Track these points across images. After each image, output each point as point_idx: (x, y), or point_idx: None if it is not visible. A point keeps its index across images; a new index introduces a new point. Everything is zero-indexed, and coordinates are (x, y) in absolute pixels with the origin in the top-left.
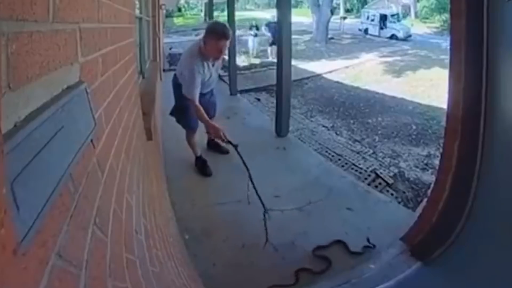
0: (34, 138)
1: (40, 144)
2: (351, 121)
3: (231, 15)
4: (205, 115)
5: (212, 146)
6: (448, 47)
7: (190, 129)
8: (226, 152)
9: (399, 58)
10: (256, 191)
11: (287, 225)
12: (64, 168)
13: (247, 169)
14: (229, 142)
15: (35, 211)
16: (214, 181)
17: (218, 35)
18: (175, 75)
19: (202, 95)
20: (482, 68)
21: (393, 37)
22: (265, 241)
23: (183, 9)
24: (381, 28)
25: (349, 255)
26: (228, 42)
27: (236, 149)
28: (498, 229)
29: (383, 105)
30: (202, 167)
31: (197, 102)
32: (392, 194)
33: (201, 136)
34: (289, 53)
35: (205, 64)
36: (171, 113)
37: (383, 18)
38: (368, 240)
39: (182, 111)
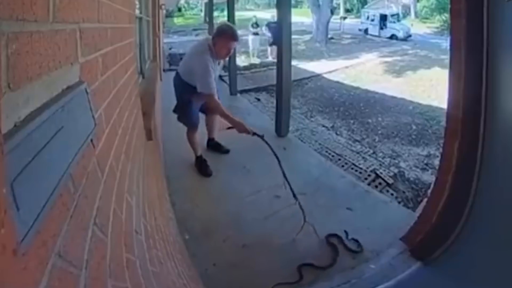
0: (34, 138)
1: (40, 144)
2: (351, 121)
3: (231, 15)
4: (227, 111)
5: (212, 146)
6: (448, 47)
7: (191, 127)
8: (226, 152)
9: (399, 58)
10: (286, 179)
11: (287, 224)
12: (64, 168)
13: (277, 157)
14: (255, 133)
15: (35, 211)
16: (214, 181)
17: (228, 36)
18: (177, 73)
19: None
20: (482, 68)
21: (393, 37)
22: (303, 222)
23: (183, 9)
24: (381, 28)
25: (348, 253)
26: (236, 43)
27: (263, 139)
28: (498, 229)
29: (383, 105)
30: (202, 167)
31: (216, 96)
32: (392, 194)
33: (201, 136)
34: (289, 53)
35: (214, 61)
36: (174, 111)
37: (383, 18)
38: (346, 233)
39: (183, 108)
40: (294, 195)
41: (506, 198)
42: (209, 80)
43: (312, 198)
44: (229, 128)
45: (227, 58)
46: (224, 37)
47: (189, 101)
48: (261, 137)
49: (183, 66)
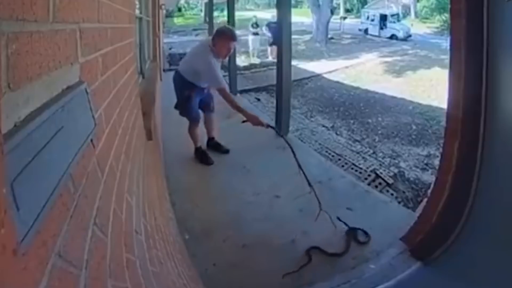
0: (34, 138)
1: (40, 144)
2: (351, 121)
3: (231, 15)
4: (240, 105)
5: (212, 146)
6: (448, 47)
7: (192, 121)
8: (226, 151)
9: (399, 58)
10: (301, 167)
11: (287, 224)
12: (64, 168)
13: (291, 147)
14: (269, 125)
15: (35, 211)
16: (214, 181)
17: (228, 37)
18: (177, 71)
19: (201, 89)
20: (482, 68)
21: (393, 37)
22: (319, 210)
23: (183, 9)
24: (381, 28)
25: (358, 245)
26: (235, 44)
27: (277, 131)
28: (498, 229)
29: (383, 105)
30: (202, 157)
31: (228, 90)
32: (392, 194)
33: (202, 134)
34: (289, 53)
35: (216, 61)
36: (176, 107)
37: (383, 18)
38: (339, 219)
39: (183, 104)
40: (309, 184)
41: (506, 198)
42: (218, 75)
43: (312, 197)
44: (244, 121)
45: (227, 58)
46: (224, 38)
47: (189, 97)
48: (274, 128)
49: (185, 66)
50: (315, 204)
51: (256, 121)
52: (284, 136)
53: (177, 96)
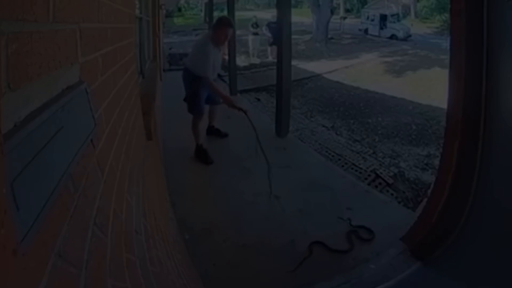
0: (34, 138)
1: (40, 144)
2: (351, 121)
3: (231, 15)
4: (219, 88)
5: (212, 132)
6: (448, 47)
7: (198, 114)
8: (225, 135)
9: (399, 58)
10: (261, 148)
11: (287, 224)
12: (64, 168)
13: (254, 129)
14: (240, 108)
15: (35, 211)
16: (214, 181)
17: (224, 24)
18: (185, 67)
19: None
20: (482, 68)
21: (393, 37)
22: (270, 193)
23: (183, 9)
24: (381, 28)
25: (363, 242)
26: (231, 30)
27: (246, 114)
28: (498, 229)
29: (383, 105)
30: (202, 156)
31: (211, 78)
32: (392, 194)
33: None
34: (289, 53)
35: (214, 49)
36: (185, 99)
37: (383, 18)
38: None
39: (192, 98)
40: (267, 161)
41: (506, 198)
42: (205, 66)
43: (312, 198)
44: (229, 106)
45: (227, 58)
46: (222, 25)
47: (198, 89)
48: (245, 112)
49: (190, 61)
50: (315, 204)
51: (230, 103)
52: (249, 116)
53: (186, 90)
